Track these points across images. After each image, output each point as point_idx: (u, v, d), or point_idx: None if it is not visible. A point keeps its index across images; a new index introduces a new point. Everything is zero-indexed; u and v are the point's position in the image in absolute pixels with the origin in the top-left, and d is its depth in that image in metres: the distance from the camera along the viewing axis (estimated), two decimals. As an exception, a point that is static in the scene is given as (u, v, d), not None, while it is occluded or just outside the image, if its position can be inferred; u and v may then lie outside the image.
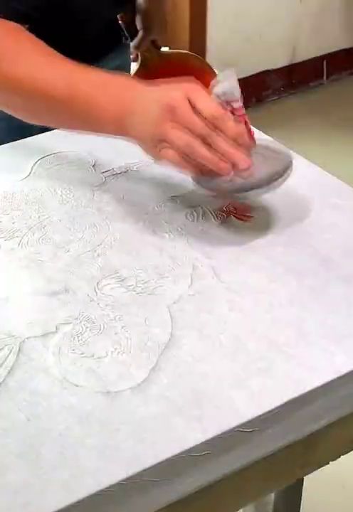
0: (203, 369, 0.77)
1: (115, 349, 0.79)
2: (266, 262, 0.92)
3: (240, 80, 2.73)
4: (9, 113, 1.07)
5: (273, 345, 0.80)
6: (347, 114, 3.46)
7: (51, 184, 1.08)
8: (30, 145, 1.16)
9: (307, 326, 0.82)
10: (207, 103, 0.91)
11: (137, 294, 0.87)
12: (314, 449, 0.82)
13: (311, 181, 1.08)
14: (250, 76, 3.51)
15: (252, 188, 0.93)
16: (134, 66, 1.54)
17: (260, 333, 0.81)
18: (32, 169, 1.11)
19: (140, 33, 1.46)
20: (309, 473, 0.86)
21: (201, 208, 1.01)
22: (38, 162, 1.12)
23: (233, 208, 1.00)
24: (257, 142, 0.96)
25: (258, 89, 3.60)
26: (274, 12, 3.46)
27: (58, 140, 1.16)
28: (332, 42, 3.70)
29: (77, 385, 0.75)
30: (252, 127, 0.97)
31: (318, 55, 3.69)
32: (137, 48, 1.49)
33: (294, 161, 0.98)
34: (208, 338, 0.81)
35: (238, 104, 0.94)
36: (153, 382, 0.76)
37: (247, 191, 0.94)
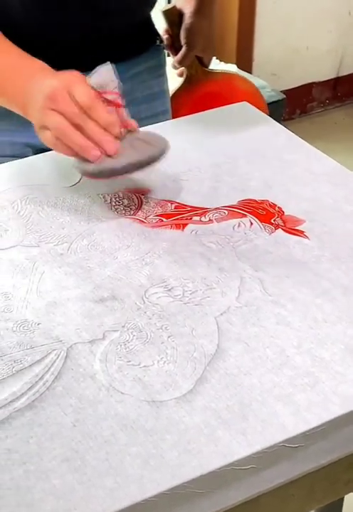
0: (249, 382, 0.77)
1: (161, 358, 0.80)
2: (313, 276, 0.91)
3: (285, 91, 2.72)
4: None
5: (319, 361, 0.79)
6: None
7: (100, 191, 1.09)
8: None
9: (354, 342, 0.82)
10: (82, 92, 1.00)
11: (184, 304, 0.87)
12: (358, 467, 0.82)
13: (359, 196, 1.07)
14: (296, 87, 3.50)
15: (122, 171, 1.01)
16: (180, 81, 1.55)
17: (306, 348, 0.81)
18: (82, 176, 1.12)
19: (183, 49, 1.47)
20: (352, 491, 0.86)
21: (249, 219, 1.01)
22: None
23: (281, 222, 1.00)
24: (138, 132, 1.05)
25: (303, 101, 3.59)
26: (322, 23, 3.45)
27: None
28: (380, 55, 3.68)
29: (123, 393, 0.76)
30: (129, 118, 1.04)
31: (365, 68, 3.68)
32: (179, 63, 1.49)
33: (171, 148, 1.04)
34: (255, 351, 0.81)
35: (112, 95, 1.02)
36: (199, 393, 0.76)
37: (118, 173, 1.01)
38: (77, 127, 0.99)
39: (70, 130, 0.98)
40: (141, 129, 1.07)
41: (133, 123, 1.04)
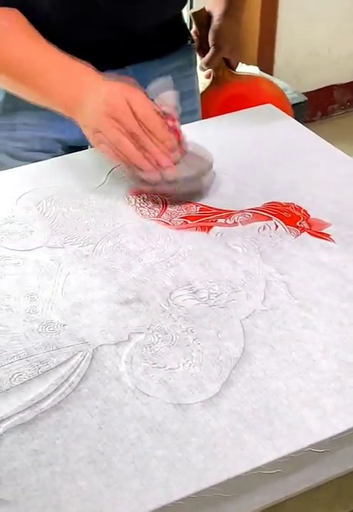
0: (275, 386, 0.77)
1: (187, 361, 0.79)
2: (339, 280, 0.91)
3: (306, 94, 2.70)
4: None
5: (346, 365, 0.79)
6: None
7: (125, 192, 1.09)
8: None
9: (380, 347, 0.81)
10: (141, 104, 1.01)
11: (210, 306, 0.87)
12: (384, 473, 0.81)
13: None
14: (317, 90, 3.48)
15: (173, 183, 1.03)
16: (206, 83, 1.55)
17: (332, 353, 0.80)
18: (107, 177, 1.12)
19: (211, 50, 1.47)
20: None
21: (274, 222, 1.01)
22: (113, 170, 1.13)
23: (307, 225, 1.00)
24: (187, 148, 1.07)
25: (324, 104, 3.57)
26: (344, 26, 3.43)
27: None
28: None
29: (148, 395, 0.76)
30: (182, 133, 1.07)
31: (386, 70, 3.65)
32: (207, 64, 1.49)
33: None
34: (281, 355, 0.80)
35: (169, 108, 1.04)
36: (224, 396, 0.75)
37: (169, 185, 1.04)
38: (133, 136, 1.00)
39: (126, 141, 1.00)
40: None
41: (182, 136, 1.05)
